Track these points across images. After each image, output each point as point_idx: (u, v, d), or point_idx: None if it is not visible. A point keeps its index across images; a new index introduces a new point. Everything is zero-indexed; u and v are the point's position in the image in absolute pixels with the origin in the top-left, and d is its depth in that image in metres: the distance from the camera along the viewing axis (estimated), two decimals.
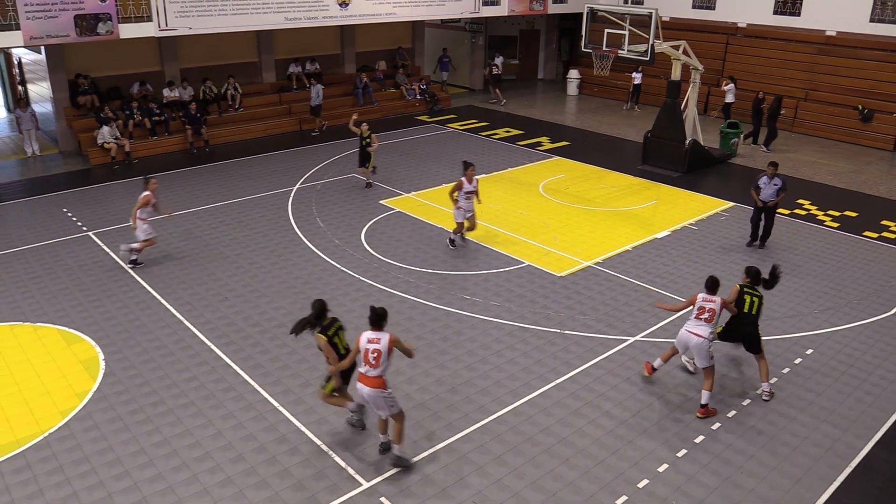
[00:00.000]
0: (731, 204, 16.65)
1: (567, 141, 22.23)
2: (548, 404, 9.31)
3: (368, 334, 7.81)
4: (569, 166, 19.64)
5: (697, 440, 8.67)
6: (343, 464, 8.19)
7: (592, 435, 8.74)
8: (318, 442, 8.54)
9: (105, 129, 19.49)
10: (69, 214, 15.75)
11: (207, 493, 7.73)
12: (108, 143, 19.44)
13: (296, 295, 12.09)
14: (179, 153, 20.66)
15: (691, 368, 10.01)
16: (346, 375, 8.42)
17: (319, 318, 8.18)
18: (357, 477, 7.99)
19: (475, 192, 13.67)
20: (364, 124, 17.32)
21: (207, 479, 7.94)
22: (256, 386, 9.61)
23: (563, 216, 15.73)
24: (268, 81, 24.54)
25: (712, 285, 9.17)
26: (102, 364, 10.09)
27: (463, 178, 13.44)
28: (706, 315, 9.04)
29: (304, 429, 8.76)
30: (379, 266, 13.18)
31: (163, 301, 11.90)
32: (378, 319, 7.86)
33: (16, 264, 13.25)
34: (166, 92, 21.67)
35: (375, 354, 7.70)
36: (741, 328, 9.42)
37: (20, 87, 24.50)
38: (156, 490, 7.79)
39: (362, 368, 7.81)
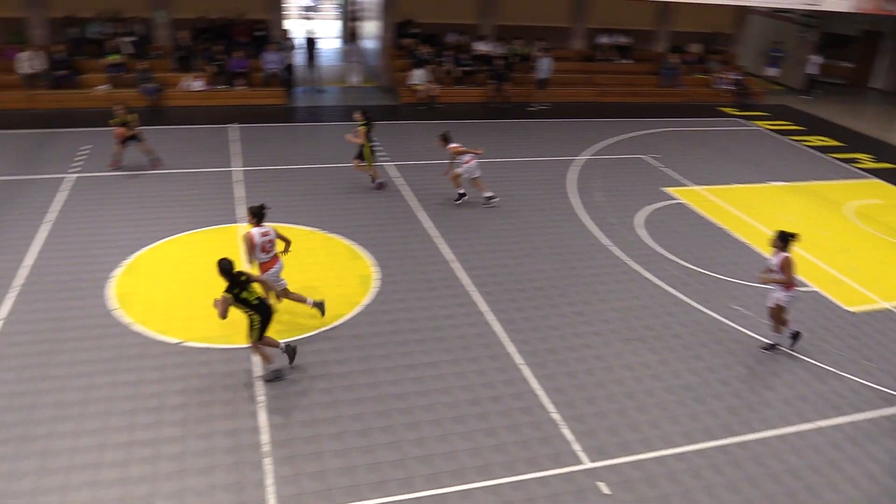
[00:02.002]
0: None
1: (893, 163, 19.53)
2: (801, 445, 8.44)
3: (258, 230, 9.32)
4: (889, 192, 17.27)
5: None
6: (571, 437, 8.19)
7: (847, 493, 7.78)
8: (552, 409, 8.61)
9: (419, 71, 20.96)
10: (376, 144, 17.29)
11: (439, 424, 8.20)
12: (419, 86, 20.90)
13: (560, 262, 12.17)
14: (480, 105, 21.61)
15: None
16: (266, 324, 8.50)
17: (227, 278, 8.23)
18: (581, 454, 7.95)
19: (779, 271, 9.64)
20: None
21: (444, 412, 8.41)
22: (506, 339, 9.91)
23: (868, 246, 13.93)
24: (575, 48, 24.59)
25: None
26: (376, 283, 11.06)
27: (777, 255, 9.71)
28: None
29: (541, 392, 8.89)
30: (649, 254, 12.76)
31: (439, 240, 12.66)
32: (260, 213, 9.40)
33: (323, 178, 14.91)
34: (478, 45, 22.66)
35: (270, 243, 9.46)
36: None
37: (353, 23, 27.20)
38: (397, 407, 8.44)
39: (262, 257, 9.40)
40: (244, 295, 8.25)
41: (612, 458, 7.96)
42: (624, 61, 24.60)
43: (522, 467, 7.70)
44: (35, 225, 12.24)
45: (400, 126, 19.00)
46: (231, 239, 12.07)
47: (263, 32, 21.45)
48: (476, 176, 13.99)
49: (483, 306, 10.66)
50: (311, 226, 12.79)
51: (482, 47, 22.64)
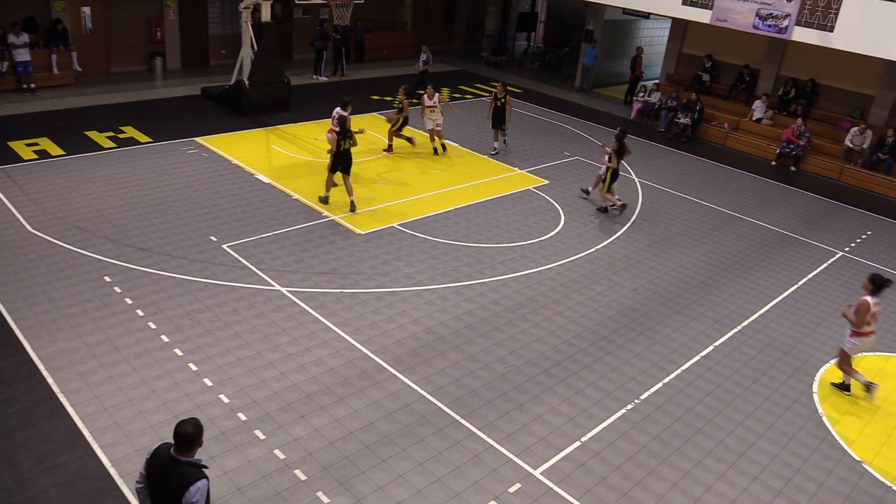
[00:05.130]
0: None
1: None
2: None
3: (339, 110, 13.85)
4: None
5: None
6: None
7: None
8: None
9: None
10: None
11: None
12: None
13: None
14: None
15: None
16: (338, 163, 13.19)
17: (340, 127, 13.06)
18: None
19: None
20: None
21: None
22: None
23: None
24: None
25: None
26: None
27: None
28: None
29: None
30: None
31: None
32: (344, 104, 14.07)
33: None
34: None
35: (341, 119, 13.27)
36: None
37: None
38: None
39: (334, 126, 13.71)
40: (340, 139, 12.81)
41: None
42: None
43: None
44: (788, 281, 12.65)
45: None
46: None
47: None
48: None
49: None
50: None
51: None
